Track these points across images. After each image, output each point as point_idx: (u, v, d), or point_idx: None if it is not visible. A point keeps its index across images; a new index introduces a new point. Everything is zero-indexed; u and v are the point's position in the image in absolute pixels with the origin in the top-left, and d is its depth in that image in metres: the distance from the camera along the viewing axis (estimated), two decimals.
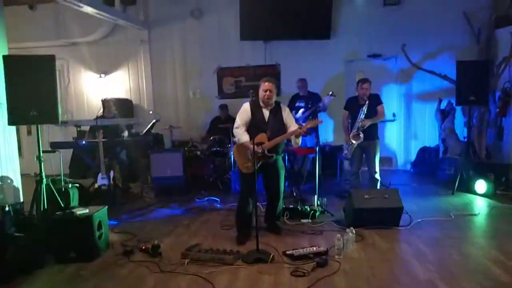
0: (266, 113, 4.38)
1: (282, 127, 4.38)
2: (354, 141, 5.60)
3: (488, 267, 3.52)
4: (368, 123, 5.55)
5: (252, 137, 4.11)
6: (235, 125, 4.43)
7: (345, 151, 5.83)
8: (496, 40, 7.52)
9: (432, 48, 8.07)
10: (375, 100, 5.72)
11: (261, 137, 4.24)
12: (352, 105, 5.86)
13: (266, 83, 4.32)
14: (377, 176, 5.74)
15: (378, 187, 5.73)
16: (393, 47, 8.05)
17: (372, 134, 5.67)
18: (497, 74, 7.23)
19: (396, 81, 8.50)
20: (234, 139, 4.60)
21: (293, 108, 7.16)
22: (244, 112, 4.41)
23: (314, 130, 6.26)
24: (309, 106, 6.91)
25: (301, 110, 6.99)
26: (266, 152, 4.23)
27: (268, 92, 4.30)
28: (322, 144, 7.50)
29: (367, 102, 5.57)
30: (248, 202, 4.37)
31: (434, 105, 8.07)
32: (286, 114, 4.47)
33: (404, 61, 8.05)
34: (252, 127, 4.29)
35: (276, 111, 4.41)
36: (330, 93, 6.53)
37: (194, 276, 3.45)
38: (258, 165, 4.21)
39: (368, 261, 3.70)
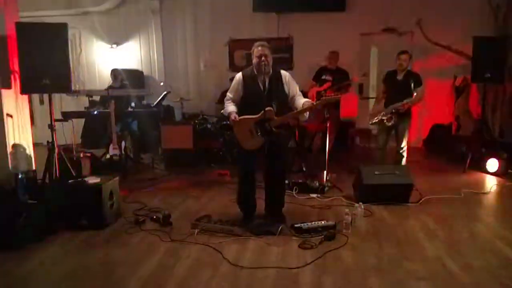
0: (264, 82, 3.84)
1: (284, 97, 3.88)
2: (387, 123, 5.54)
3: (497, 245, 3.52)
4: (406, 107, 5.43)
5: (249, 111, 3.78)
6: (226, 97, 4.03)
7: (373, 119, 5.81)
8: None
9: (448, 23, 7.87)
10: (415, 80, 5.52)
11: (270, 112, 3.70)
12: (389, 80, 5.76)
13: (259, 48, 3.77)
14: (403, 152, 5.67)
15: (403, 163, 5.63)
16: (408, 21, 7.86)
17: (405, 111, 5.52)
18: None
19: (411, 56, 8.34)
20: (222, 111, 4.10)
21: (318, 81, 6.98)
22: (235, 83, 3.94)
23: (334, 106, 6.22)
24: (335, 81, 6.71)
25: (327, 84, 6.82)
26: (273, 129, 3.74)
27: (263, 58, 3.73)
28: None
29: (412, 84, 5.43)
30: (250, 182, 4.04)
31: (449, 82, 7.95)
32: (287, 81, 3.90)
33: (420, 36, 7.87)
34: (249, 99, 3.87)
35: (276, 79, 3.86)
36: (363, 73, 6.44)
37: (204, 245, 3.50)
38: (263, 142, 3.78)
39: (376, 236, 3.71)
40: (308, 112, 3.90)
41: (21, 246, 3.53)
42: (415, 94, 5.44)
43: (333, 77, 6.83)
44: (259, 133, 3.79)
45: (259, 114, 3.72)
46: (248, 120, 3.80)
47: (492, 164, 6.00)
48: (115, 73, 7.16)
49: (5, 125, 4.47)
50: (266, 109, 3.68)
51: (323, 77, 6.93)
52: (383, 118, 5.57)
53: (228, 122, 4.16)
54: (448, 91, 7.98)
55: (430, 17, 7.73)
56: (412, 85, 5.44)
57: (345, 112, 7.45)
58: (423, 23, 7.64)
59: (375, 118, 5.71)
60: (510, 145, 6.48)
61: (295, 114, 3.90)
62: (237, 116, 3.83)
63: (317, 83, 6.94)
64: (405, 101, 5.39)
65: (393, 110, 5.50)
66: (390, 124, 5.55)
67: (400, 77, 5.61)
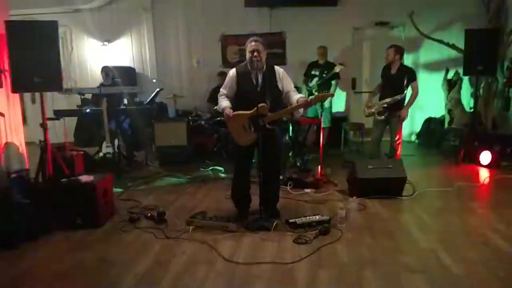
0: (257, 78, 3.84)
1: (278, 93, 3.88)
2: (378, 117, 5.59)
3: (489, 237, 3.54)
4: (405, 113, 5.53)
5: (243, 107, 3.78)
6: (219, 93, 4.02)
7: (367, 111, 5.85)
8: (506, 8, 7.33)
9: (440, 16, 7.92)
10: (408, 75, 5.55)
11: (264, 108, 3.69)
12: (383, 74, 5.81)
13: (253, 43, 3.77)
14: (397, 146, 5.69)
15: (397, 157, 5.63)
16: (401, 14, 7.87)
17: (399, 105, 5.55)
18: (506, 43, 7.10)
19: (401, 50, 8.35)
20: (216, 108, 4.15)
21: (309, 76, 7.13)
22: (229, 79, 3.94)
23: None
24: (323, 75, 6.84)
25: (315, 79, 6.94)
26: (267, 125, 3.75)
27: (255, 53, 3.73)
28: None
29: (405, 79, 5.47)
30: (245, 178, 4.09)
31: (441, 75, 7.98)
32: (281, 76, 3.90)
33: (412, 29, 7.88)
34: (242, 95, 3.87)
35: (269, 74, 3.86)
36: (339, 63, 6.48)
37: (199, 242, 3.50)
38: (256, 138, 3.75)
39: (370, 230, 3.73)
40: (302, 108, 3.90)
41: (14, 246, 3.51)
42: (409, 90, 5.50)
43: (320, 71, 6.99)
44: (252, 129, 3.78)
45: (253, 110, 3.71)
46: (242, 116, 3.80)
47: (485, 157, 6.04)
48: (106, 70, 7.12)
49: None
50: (260, 105, 3.66)
51: (313, 72, 7.08)
52: (375, 112, 5.62)
53: (222, 118, 4.16)
54: (440, 84, 8.00)
55: (422, 10, 7.73)
56: (406, 80, 5.47)
57: None
58: (415, 16, 7.64)
59: (368, 110, 5.76)
60: (503, 137, 6.52)
61: (289, 110, 3.89)
62: (231, 111, 3.83)
63: (307, 78, 7.08)
64: (397, 97, 5.43)
65: (385, 105, 5.53)
66: (381, 118, 5.58)
67: (393, 71, 5.64)
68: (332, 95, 4.33)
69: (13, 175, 4.21)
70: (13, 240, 3.53)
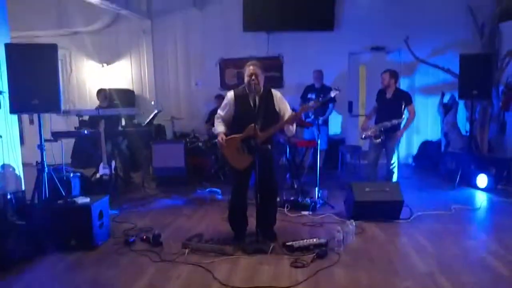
0: (255, 101, 3.91)
1: (275, 116, 3.96)
2: (375, 140, 5.65)
3: (487, 260, 3.53)
4: (400, 135, 5.67)
5: (240, 129, 3.83)
6: (216, 115, 4.09)
7: (363, 134, 5.89)
8: (500, 33, 7.47)
9: (435, 41, 8.02)
10: (404, 98, 5.63)
11: (251, 128, 3.74)
12: (379, 98, 5.90)
13: (251, 67, 3.89)
14: (393, 169, 5.75)
15: (394, 179, 5.71)
16: (396, 40, 7.97)
17: (395, 128, 5.62)
18: (500, 68, 7.19)
19: (399, 74, 8.45)
20: (212, 129, 4.19)
21: (305, 100, 7.21)
22: (226, 101, 4.02)
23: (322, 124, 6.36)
24: (319, 99, 6.91)
25: (311, 102, 7.00)
26: (259, 144, 3.79)
27: (253, 77, 3.84)
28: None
29: (402, 103, 5.54)
30: (242, 200, 4.06)
31: (437, 99, 8.06)
32: (278, 100, 3.99)
33: (407, 54, 7.99)
34: (240, 117, 3.93)
35: (266, 98, 3.94)
36: (335, 88, 6.55)
37: (195, 265, 3.47)
38: (252, 159, 3.78)
39: (367, 253, 3.71)
40: (294, 126, 3.96)
41: (9, 267, 3.47)
42: (404, 115, 5.58)
43: (316, 95, 7.06)
44: (246, 151, 3.81)
45: (244, 132, 3.78)
46: (234, 139, 3.85)
47: (482, 180, 6.05)
48: (103, 93, 7.13)
49: None
50: (248, 127, 3.73)
51: (309, 95, 7.16)
52: (371, 135, 5.66)
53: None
54: (436, 108, 8.07)
55: (417, 35, 7.85)
56: (403, 104, 5.53)
57: None
58: (411, 41, 7.76)
59: (364, 133, 5.80)
60: (499, 160, 6.54)
61: (278, 126, 3.92)
62: (224, 137, 3.87)
63: (304, 102, 7.16)
64: (394, 121, 5.49)
65: (382, 128, 5.57)
66: (377, 141, 5.62)
67: (389, 95, 5.70)
68: (313, 108, 4.40)
69: (9, 196, 4.18)
70: (8, 261, 3.50)
